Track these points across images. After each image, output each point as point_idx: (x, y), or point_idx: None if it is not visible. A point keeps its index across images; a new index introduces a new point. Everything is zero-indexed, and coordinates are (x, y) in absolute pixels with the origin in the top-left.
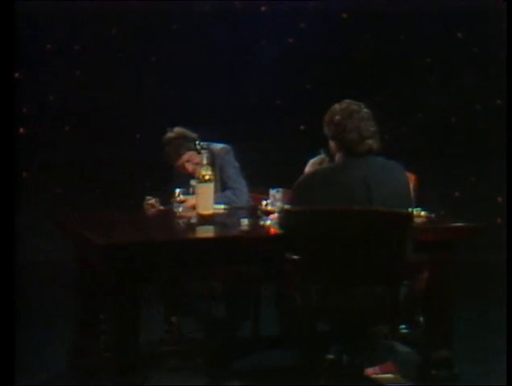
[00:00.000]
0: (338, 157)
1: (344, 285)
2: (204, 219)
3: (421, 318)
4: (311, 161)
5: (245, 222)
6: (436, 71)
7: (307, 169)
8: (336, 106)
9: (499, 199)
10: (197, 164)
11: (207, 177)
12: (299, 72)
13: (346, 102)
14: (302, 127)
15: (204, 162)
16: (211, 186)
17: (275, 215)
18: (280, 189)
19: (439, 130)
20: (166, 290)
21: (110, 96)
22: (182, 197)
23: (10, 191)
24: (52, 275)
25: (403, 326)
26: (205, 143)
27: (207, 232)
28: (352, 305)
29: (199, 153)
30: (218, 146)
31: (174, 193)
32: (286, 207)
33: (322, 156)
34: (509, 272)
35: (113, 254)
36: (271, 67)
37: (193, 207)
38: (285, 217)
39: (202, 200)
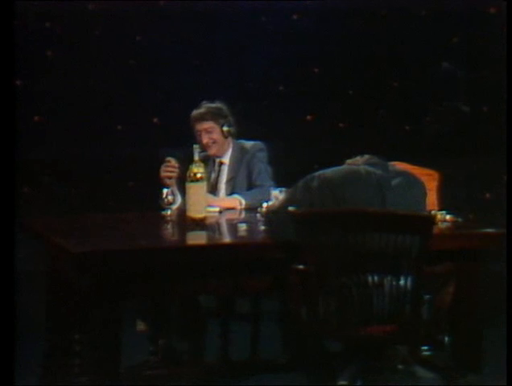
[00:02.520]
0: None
1: (356, 299)
2: (196, 224)
3: (446, 338)
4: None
5: (243, 227)
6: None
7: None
8: None
9: None
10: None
11: (199, 175)
12: (304, 54)
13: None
14: (308, 117)
15: (196, 157)
16: (203, 186)
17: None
18: (284, 189)
19: (468, 122)
20: (151, 306)
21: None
22: (170, 198)
23: None
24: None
25: (425, 348)
26: (239, 141)
27: (198, 238)
28: (366, 321)
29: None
30: (250, 143)
31: (161, 193)
32: (291, 209)
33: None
34: (510, 273)
35: (89, 264)
36: (272, 47)
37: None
38: (284, 219)
39: (193, 202)
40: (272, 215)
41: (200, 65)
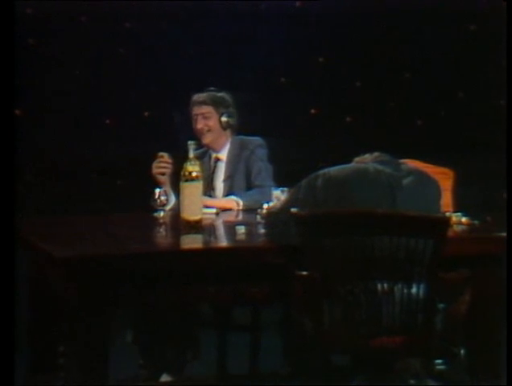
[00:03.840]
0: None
1: (365, 308)
2: (191, 227)
3: (461, 351)
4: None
5: (241, 229)
6: None
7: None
8: None
9: None
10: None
11: (194, 174)
12: (308, 41)
13: None
14: (312, 111)
15: (191, 155)
16: (199, 186)
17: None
18: (285, 189)
19: (486, 115)
20: (142, 316)
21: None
22: (163, 199)
23: None
24: None
25: (439, 361)
26: (239, 136)
27: (194, 242)
28: (375, 332)
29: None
30: (249, 138)
31: (153, 193)
32: (293, 210)
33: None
34: (509, 272)
35: (74, 270)
36: (272, 35)
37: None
38: (286, 221)
39: (188, 203)
40: (273, 217)
41: (195, 55)
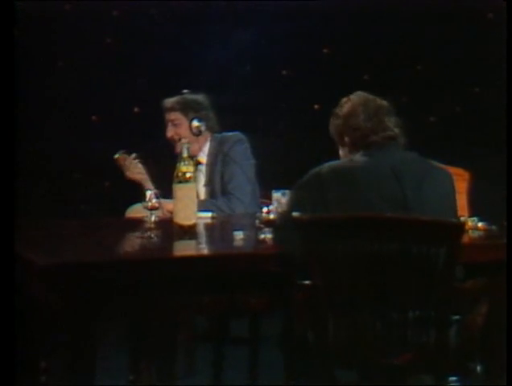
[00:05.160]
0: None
1: (372, 320)
2: (185, 232)
3: (478, 367)
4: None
5: (239, 235)
6: None
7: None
8: (344, 99)
9: None
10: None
11: (188, 175)
12: (312, 31)
13: (357, 94)
14: (316, 106)
15: (185, 154)
16: (193, 188)
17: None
18: (286, 191)
19: (504, 113)
20: (132, 328)
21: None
22: (155, 202)
23: None
24: None
25: (454, 378)
26: (219, 134)
27: (187, 248)
28: (383, 347)
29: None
30: (227, 135)
31: (144, 196)
32: (295, 214)
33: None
34: (509, 271)
35: (58, 279)
36: (272, 23)
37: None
38: (288, 227)
39: (182, 206)
40: (276, 223)
41: (189, 45)
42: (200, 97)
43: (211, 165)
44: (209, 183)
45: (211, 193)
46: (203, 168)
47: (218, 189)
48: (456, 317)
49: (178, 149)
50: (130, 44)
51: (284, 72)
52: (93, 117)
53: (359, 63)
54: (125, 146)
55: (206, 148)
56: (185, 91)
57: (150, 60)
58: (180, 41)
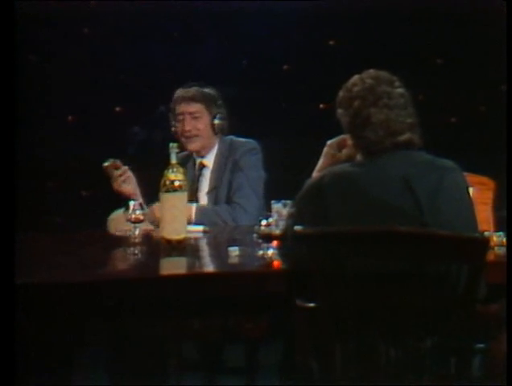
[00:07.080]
0: (359, 156)
1: (384, 348)
2: (173, 247)
3: None
4: (329, 142)
5: (235, 252)
6: None
7: (322, 160)
8: (356, 81)
9: None
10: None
11: (177, 183)
12: (316, 22)
13: (370, 75)
14: (321, 106)
15: (173, 160)
16: (183, 198)
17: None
18: (288, 202)
19: None
20: (114, 355)
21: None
22: (138, 213)
23: None
24: None
25: None
26: (229, 137)
27: (177, 266)
28: (397, 378)
29: None
30: (240, 141)
31: (127, 206)
32: (297, 228)
33: (345, 135)
34: (509, 270)
35: (32, 300)
36: (273, 14)
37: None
38: (292, 243)
39: (170, 218)
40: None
41: (180, 37)
42: (214, 92)
43: (218, 171)
44: (213, 191)
45: (214, 201)
46: (207, 173)
47: (223, 197)
48: (480, 345)
49: (191, 147)
50: (112, 39)
51: (285, 67)
52: (69, 117)
53: (368, 58)
54: (106, 150)
55: (214, 151)
56: (193, 83)
57: (134, 54)
58: (170, 33)
